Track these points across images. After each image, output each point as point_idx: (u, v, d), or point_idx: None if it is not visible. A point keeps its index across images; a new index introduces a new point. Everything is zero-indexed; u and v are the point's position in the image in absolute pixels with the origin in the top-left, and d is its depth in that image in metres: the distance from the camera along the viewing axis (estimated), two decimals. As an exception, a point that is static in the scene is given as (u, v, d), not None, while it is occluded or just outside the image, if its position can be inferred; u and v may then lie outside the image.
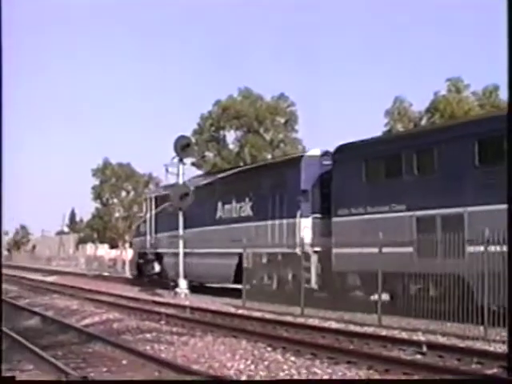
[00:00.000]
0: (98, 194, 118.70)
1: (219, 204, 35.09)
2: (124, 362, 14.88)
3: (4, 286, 41.54)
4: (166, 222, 40.15)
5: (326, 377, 12.81)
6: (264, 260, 30.16)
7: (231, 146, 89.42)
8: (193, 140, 48.87)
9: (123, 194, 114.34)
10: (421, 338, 17.18)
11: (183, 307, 26.41)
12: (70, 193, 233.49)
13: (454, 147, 22.30)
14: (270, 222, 30.61)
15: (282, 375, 13.06)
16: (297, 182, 29.29)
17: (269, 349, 16.33)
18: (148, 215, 43.51)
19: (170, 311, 25.08)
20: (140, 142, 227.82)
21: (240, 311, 25.46)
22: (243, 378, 13.10)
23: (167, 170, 36.18)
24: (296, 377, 12.92)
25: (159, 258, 41.75)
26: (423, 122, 67.71)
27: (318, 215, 28.59)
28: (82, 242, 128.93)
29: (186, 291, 33.07)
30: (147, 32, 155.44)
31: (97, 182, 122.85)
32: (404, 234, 22.66)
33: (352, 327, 19.89)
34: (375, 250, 22.20)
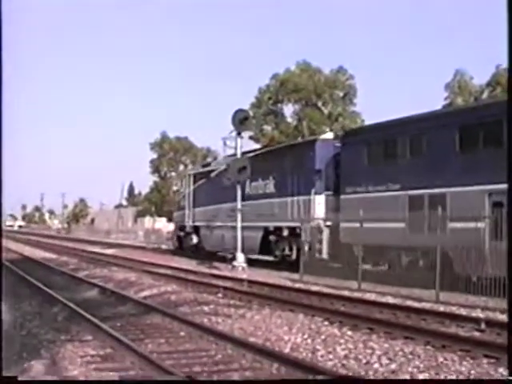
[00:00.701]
0: (156, 168, 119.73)
1: (247, 181, 36.98)
2: (181, 333, 15.04)
3: (64, 258, 42.39)
4: (202, 198, 44.27)
5: (383, 352, 12.80)
6: (285, 233, 33.56)
7: (289, 120, 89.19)
8: (251, 113, 50.75)
9: (181, 167, 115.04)
10: (480, 314, 17.00)
11: (240, 280, 26.49)
12: (129, 166, 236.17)
13: (439, 134, 25.07)
14: (289, 199, 33.40)
15: (338, 349, 13.07)
16: (312, 163, 32.06)
17: (326, 323, 16.33)
18: (187, 191, 47.03)
19: (228, 284, 25.15)
20: (198, 115, 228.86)
21: (297, 285, 25.46)
22: (301, 350, 13.16)
23: (225, 144, 36.28)
24: (353, 351, 12.93)
25: (196, 230, 45.43)
26: (484, 95, 66.70)
27: (331, 192, 31.26)
28: (140, 215, 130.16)
29: (244, 265, 33.19)
30: (210, 7, 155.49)
31: (155, 156, 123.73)
32: (398, 211, 25.34)
33: (409, 302, 19.77)
34: (374, 224, 25.57)
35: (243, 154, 36.43)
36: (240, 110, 36.12)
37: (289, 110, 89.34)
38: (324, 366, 11.69)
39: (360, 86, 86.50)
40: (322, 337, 14.43)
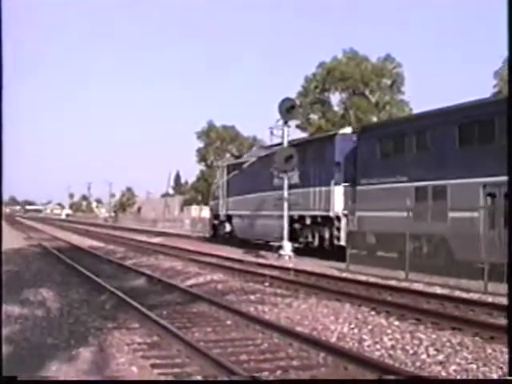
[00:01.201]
0: (202, 157, 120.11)
1: (276, 173, 38.58)
2: (228, 322, 15.06)
3: (111, 246, 42.78)
4: (235, 188, 47.10)
5: (430, 342, 12.71)
6: (308, 221, 36.14)
7: (336, 108, 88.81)
8: (297, 102, 51.24)
9: (227, 156, 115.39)
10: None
11: (287, 269, 26.49)
12: (176, 155, 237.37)
13: (441, 130, 27.19)
14: (311, 189, 35.80)
15: (385, 339, 13.00)
16: (332, 155, 34.37)
17: (372, 313, 16.27)
18: (221, 182, 50.28)
19: (274, 273, 25.14)
20: (244, 104, 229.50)
21: (344, 274, 25.41)
22: (348, 340, 13.12)
23: (272, 133, 36.31)
24: (400, 341, 12.86)
25: (229, 219, 48.26)
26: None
27: (349, 184, 33.25)
28: (186, 203, 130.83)
29: (290, 253, 33.23)
30: None
31: (201, 145, 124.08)
32: (406, 201, 26.63)
33: (457, 293, 19.63)
34: (385, 213, 28.22)
35: (273, 146, 39.55)
36: (287, 99, 36.11)
37: (336, 98, 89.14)
38: (371, 356, 11.63)
39: (408, 74, 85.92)
40: (369, 327, 14.38)
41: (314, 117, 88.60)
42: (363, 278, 23.91)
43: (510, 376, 7.97)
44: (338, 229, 33.06)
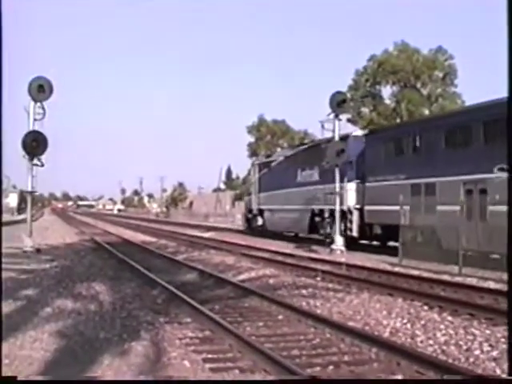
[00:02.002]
0: (253, 151, 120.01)
1: (299, 171, 44.30)
2: (280, 317, 15.04)
3: (163, 241, 43.06)
4: (265, 184, 50.90)
5: (484, 338, 12.56)
6: (326, 214, 39.06)
7: (387, 102, 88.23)
8: (348, 96, 53.83)
9: (278, 150, 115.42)
10: None
11: (339, 264, 26.38)
12: (227, 150, 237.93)
13: (431, 135, 31.27)
14: (328, 186, 37.47)
15: (438, 335, 12.88)
16: (343, 154, 35.86)
17: (425, 308, 16.14)
18: (253, 179, 54.45)
19: (326, 268, 25.05)
20: (295, 98, 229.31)
21: (396, 269, 25.26)
22: (400, 335, 13.02)
23: (323, 127, 36.21)
24: (453, 337, 12.72)
25: (261, 213, 52.07)
26: None
27: (360, 181, 36.67)
28: (238, 198, 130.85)
29: (342, 248, 33.16)
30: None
31: (252, 139, 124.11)
32: (405, 197, 30.27)
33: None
34: (387, 207, 32.33)
35: (297, 146, 45.73)
36: (338, 93, 36.07)
37: (387, 91, 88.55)
38: (424, 351, 11.53)
39: (462, 66, 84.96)
40: (422, 322, 14.26)
41: (365, 110, 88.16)
42: (415, 272, 23.76)
43: (510, 376, 7.85)
44: (351, 221, 36.66)
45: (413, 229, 29.71)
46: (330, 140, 37.94)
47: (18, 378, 8.19)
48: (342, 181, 35.80)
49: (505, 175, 23.02)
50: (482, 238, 26.48)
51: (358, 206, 36.30)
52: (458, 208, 26.45)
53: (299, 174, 44.16)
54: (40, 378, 9.36)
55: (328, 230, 38.38)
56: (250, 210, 55.07)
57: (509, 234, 8.16)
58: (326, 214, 38.97)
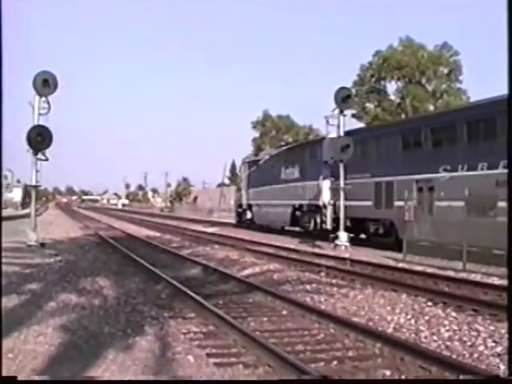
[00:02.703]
0: (258, 146, 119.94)
1: (282, 169, 48.08)
2: (284, 312, 15.07)
3: (167, 236, 43.17)
4: (253, 181, 55.00)
5: (488, 334, 12.56)
6: (305, 209, 43.34)
7: (392, 97, 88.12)
8: (353, 91, 57.45)
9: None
10: None
11: (343, 259, 26.34)
12: (231, 145, 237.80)
13: (390, 139, 35.00)
14: (306, 183, 43.10)
15: (442, 331, 12.88)
16: (321, 155, 41.29)
17: (429, 303, 16.13)
18: (243, 176, 58.44)
19: (330, 263, 25.04)
20: (299, 93, 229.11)
21: (400, 265, 25.24)
22: (404, 331, 13.02)
23: (328, 122, 36.22)
24: (458, 333, 12.71)
25: (250, 207, 55.90)
26: None
27: (334, 178, 38.58)
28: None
29: (347, 244, 33.15)
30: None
31: (257, 135, 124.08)
32: (369, 193, 35.65)
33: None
34: (355, 203, 36.62)
35: (281, 146, 49.45)
36: (342, 88, 36.10)
37: (392, 87, 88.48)
38: (428, 347, 11.53)
39: (467, 62, 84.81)
40: (426, 317, 14.26)
41: (370, 106, 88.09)
42: (420, 268, 23.74)
43: (510, 376, 7.85)
44: (325, 215, 39.98)
45: (376, 222, 35.37)
46: (309, 141, 44.84)
47: (18, 378, 8.18)
48: (317, 179, 41.05)
49: (448, 175, 29.14)
50: (430, 229, 29.13)
51: (332, 202, 39.20)
52: (408, 203, 30.24)
53: (283, 172, 48.04)
54: (40, 378, 9.35)
55: (307, 223, 42.98)
56: (240, 205, 58.80)
57: (509, 232, 8.16)
58: (305, 209, 43.32)
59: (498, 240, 16.30)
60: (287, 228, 48.15)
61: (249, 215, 56.06)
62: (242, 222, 57.20)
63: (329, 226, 39.21)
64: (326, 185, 40.10)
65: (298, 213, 44.64)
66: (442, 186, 29.61)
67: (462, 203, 25.76)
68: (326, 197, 39.91)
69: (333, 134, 39.16)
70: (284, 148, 51.69)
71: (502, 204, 23.54)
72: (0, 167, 8.81)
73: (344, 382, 9.60)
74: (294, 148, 49.21)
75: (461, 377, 9.23)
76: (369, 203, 35.61)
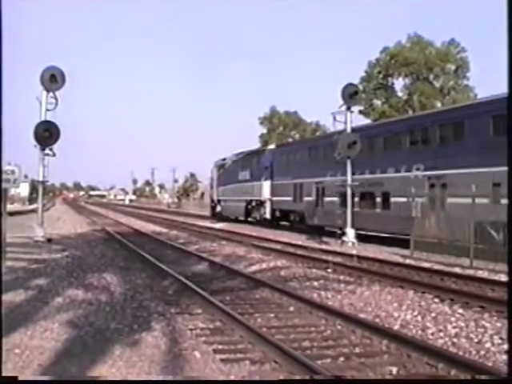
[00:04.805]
0: (265, 142, 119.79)
1: (239, 171, 60.36)
2: (291, 308, 15.06)
3: (174, 232, 43.10)
4: (220, 181, 67.21)
5: (495, 331, 12.53)
6: (254, 203, 55.86)
7: (400, 94, 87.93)
8: (360, 88, 58.24)
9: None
10: None
11: (350, 256, 26.30)
12: (238, 141, 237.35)
13: (373, 140, 37.88)
14: (254, 183, 55.86)
15: (449, 327, 12.86)
16: (263, 161, 54.41)
17: (436, 300, 16.13)
18: (214, 176, 70.28)
19: (337, 259, 25.05)
20: (307, 90, 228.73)
21: (407, 261, 25.21)
22: (411, 327, 13.00)
23: (335, 118, 36.20)
24: (464, 330, 12.70)
25: (219, 202, 67.77)
26: None
27: (272, 180, 52.58)
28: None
29: (354, 240, 33.17)
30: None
31: (264, 131, 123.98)
32: (290, 191, 48.62)
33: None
34: (282, 198, 50.19)
35: (241, 153, 62.76)
36: (350, 85, 36.09)
37: (399, 83, 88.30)
38: (434, 344, 11.51)
39: (473, 59, 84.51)
40: (433, 314, 14.25)
41: (377, 102, 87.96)
42: (427, 264, 23.72)
43: (510, 376, 7.82)
44: (265, 208, 53.05)
45: (294, 212, 48.47)
46: (257, 151, 60.06)
47: (19, 378, 8.18)
48: (259, 179, 54.04)
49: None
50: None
51: (269, 197, 52.73)
52: (311, 199, 44.62)
53: (240, 174, 60.30)
54: (40, 378, 9.35)
55: (255, 214, 55.68)
56: (212, 200, 71.43)
57: (509, 230, 8.16)
58: (254, 203, 56.09)
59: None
60: (241, 218, 59.77)
61: (219, 208, 67.78)
62: (214, 215, 68.42)
63: (268, 215, 52.90)
64: (266, 184, 53.18)
65: (249, 206, 57.27)
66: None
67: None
68: (266, 194, 53.09)
69: (272, 146, 58.18)
70: (241, 155, 62.61)
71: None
72: (0, 163, 8.77)
73: (352, 382, 9.60)
74: (247, 155, 60.79)
75: (474, 377, 9.21)
76: (290, 198, 48.51)
